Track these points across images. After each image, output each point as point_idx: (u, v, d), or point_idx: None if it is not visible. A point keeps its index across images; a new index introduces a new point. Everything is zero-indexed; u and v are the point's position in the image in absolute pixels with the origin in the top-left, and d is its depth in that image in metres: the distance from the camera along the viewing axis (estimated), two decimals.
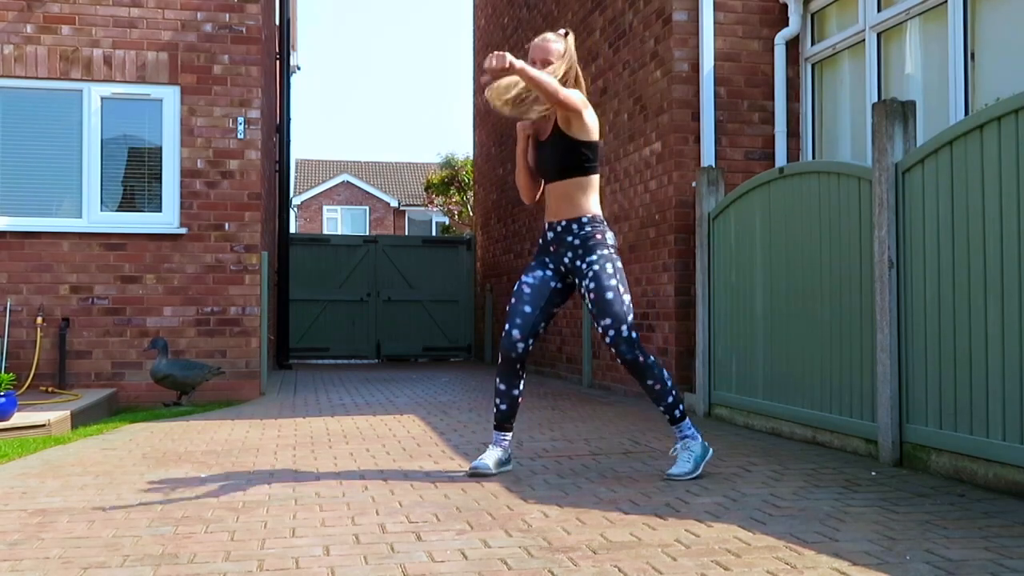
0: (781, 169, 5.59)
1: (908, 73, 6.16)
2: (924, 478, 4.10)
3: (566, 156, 4.15)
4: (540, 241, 4.31)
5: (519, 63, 3.88)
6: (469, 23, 22.06)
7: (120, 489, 4.02)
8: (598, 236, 4.17)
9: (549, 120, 4.19)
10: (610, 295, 4.10)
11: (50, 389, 7.56)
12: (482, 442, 5.25)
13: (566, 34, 4.22)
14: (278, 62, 12.27)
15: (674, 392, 4.18)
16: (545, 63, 4.11)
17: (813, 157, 7.05)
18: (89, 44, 7.96)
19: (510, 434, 4.33)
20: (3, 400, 5.97)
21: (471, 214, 22.81)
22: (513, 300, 4.23)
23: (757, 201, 5.78)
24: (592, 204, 4.21)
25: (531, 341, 4.18)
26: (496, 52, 3.90)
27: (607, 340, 4.13)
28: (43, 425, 5.97)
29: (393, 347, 14.32)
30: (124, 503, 3.73)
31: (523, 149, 4.32)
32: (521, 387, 4.27)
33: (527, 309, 4.18)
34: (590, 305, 4.16)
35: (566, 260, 4.21)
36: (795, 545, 2.99)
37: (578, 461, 4.62)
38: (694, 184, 6.78)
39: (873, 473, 4.22)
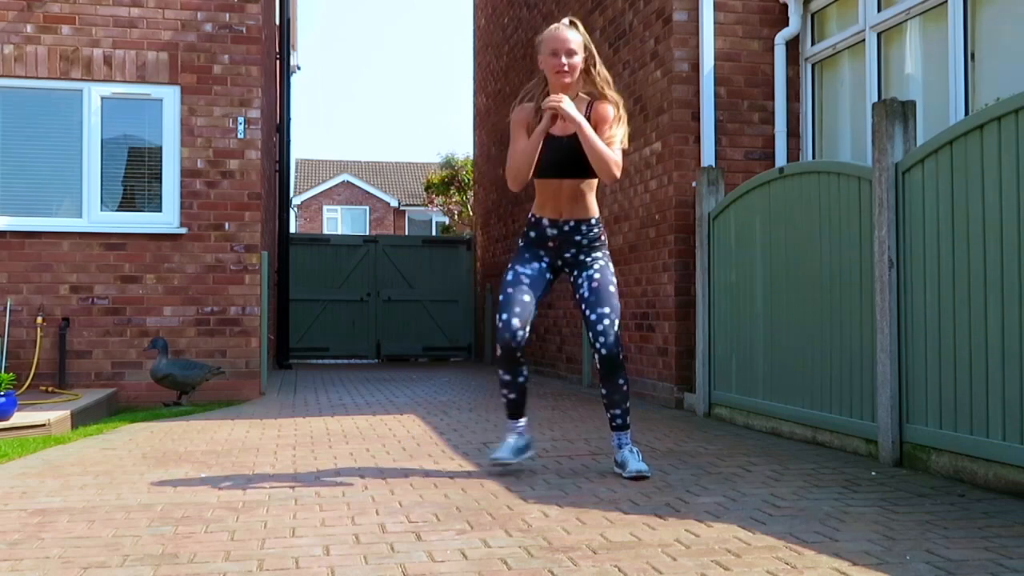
0: (781, 169, 5.59)
1: (908, 73, 6.16)
2: (924, 478, 4.10)
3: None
4: (531, 234, 4.22)
5: (578, 118, 4.00)
6: (469, 23, 22.06)
7: (120, 489, 4.01)
8: (603, 237, 4.25)
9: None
10: (612, 288, 4.15)
11: (50, 389, 7.56)
12: (482, 442, 5.26)
13: (572, 23, 4.16)
14: (278, 62, 12.27)
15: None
16: (570, 53, 4.08)
17: (813, 157, 7.05)
18: (89, 44, 7.96)
19: (524, 420, 4.30)
20: (3, 400, 5.97)
21: (471, 214, 22.82)
22: (510, 289, 4.12)
23: (757, 201, 5.78)
24: (596, 205, 4.24)
25: (528, 330, 4.13)
26: (559, 104, 3.97)
27: (600, 328, 4.05)
28: (43, 425, 5.97)
29: (393, 347, 14.31)
30: (124, 503, 3.73)
31: (544, 130, 4.07)
32: (526, 373, 4.22)
33: (525, 298, 4.10)
34: (587, 293, 4.11)
35: (567, 255, 4.20)
36: (795, 545, 2.99)
37: (578, 461, 4.62)
38: (694, 184, 6.78)
39: (873, 473, 4.22)
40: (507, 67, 12.55)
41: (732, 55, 7.09)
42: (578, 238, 4.18)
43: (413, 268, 14.41)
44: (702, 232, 6.50)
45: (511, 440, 4.28)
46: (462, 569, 2.76)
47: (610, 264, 4.23)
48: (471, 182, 23.67)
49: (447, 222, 33.64)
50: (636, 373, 7.74)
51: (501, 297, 4.14)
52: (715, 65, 7.03)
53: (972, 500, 3.65)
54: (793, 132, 7.10)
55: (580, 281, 4.18)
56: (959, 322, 4.02)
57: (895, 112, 4.46)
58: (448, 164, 30.21)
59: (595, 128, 4.09)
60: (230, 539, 3.13)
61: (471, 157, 19.60)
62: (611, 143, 4.07)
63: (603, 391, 4.19)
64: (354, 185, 41.33)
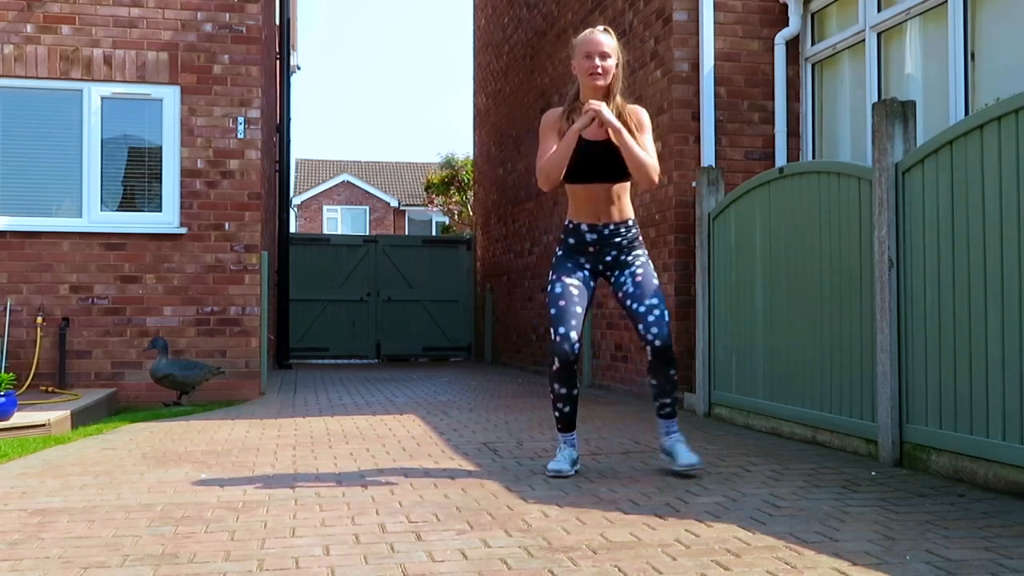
0: (781, 169, 5.59)
1: (908, 73, 6.16)
2: (924, 478, 4.10)
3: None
4: (570, 241, 4.21)
5: (617, 124, 4.03)
6: (469, 23, 22.07)
7: (120, 489, 4.02)
8: (640, 238, 4.29)
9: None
10: (656, 281, 4.18)
11: (50, 389, 7.56)
12: (482, 442, 5.26)
13: (605, 29, 4.18)
14: (278, 62, 12.27)
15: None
16: (604, 56, 4.09)
17: (813, 157, 7.05)
18: (89, 44, 7.96)
19: (575, 432, 4.32)
20: (3, 400, 5.97)
21: (471, 214, 22.82)
22: (561, 302, 4.09)
23: (757, 201, 5.78)
24: (631, 206, 4.26)
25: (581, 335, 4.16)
26: (599, 109, 4.00)
27: (651, 318, 4.05)
28: (43, 425, 5.97)
29: (393, 347, 14.32)
30: (124, 503, 3.73)
31: (581, 128, 4.05)
32: (578, 385, 4.23)
33: (578, 310, 4.09)
34: (632, 288, 4.12)
35: (608, 258, 4.21)
36: (795, 545, 2.99)
37: (578, 461, 4.61)
38: (694, 184, 6.78)
39: (873, 473, 4.23)
40: (507, 67, 12.55)
41: (732, 55, 7.09)
42: (618, 239, 4.20)
43: (413, 268, 14.41)
44: (702, 232, 6.50)
45: (568, 452, 4.27)
46: (462, 569, 2.76)
47: (650, 261, 4.26)
48: (471, 182, 23.67)
49: (447, 222, 33.64)
50: (636, 373, 7.74)
51: (553, 311, 4.10)
52: (715, 65, 7.03)
53: (972, 500, 3.65)
54: (793, 132, 7.10)
55: (623, 280, 4.18)
56: (959, 322, 4.02)
57: (895, 112, 4.46)
58: (448, 164, 30.20)
59: (635, 130, 4.11)
60: (230, 539, 3.13)
61: (471, 157, 19.60)
62: (648, 149, 4.11)
63: (653, 382, 4.18)
64: (354, 185, 41.32)
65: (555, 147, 4.11)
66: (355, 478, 4.22)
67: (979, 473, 3.90)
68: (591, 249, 4.20)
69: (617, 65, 4.15)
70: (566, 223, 4.25)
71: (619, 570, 2.73)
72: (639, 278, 4.15)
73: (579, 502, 3.65)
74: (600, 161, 4.10)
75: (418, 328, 14.32)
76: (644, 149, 4.09)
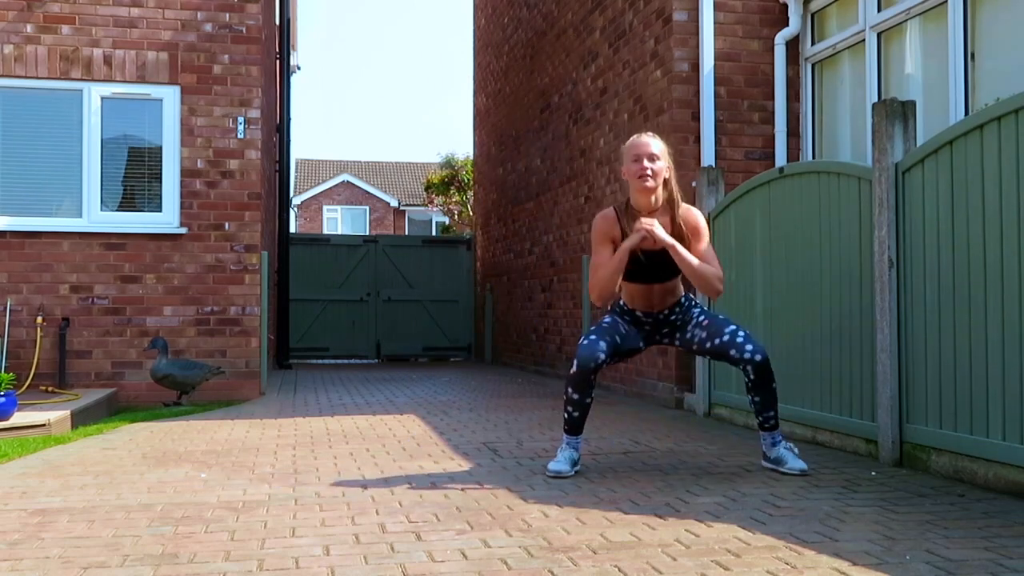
0: (781, 169, 5.59)
1: (908, 73, 6.16)
2: (924, 478, 4.10)
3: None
4: (626, 318, 4.37)
5: (671, 241, 4.11)
6: (469, 23, 22.07)
7: (120, 489, 4.02)
8: (692, 301, 4.42)
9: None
10: (723, 316, 4.35)
11: (50, 389, 7.56)
12: (482, 442, 5.26)
13: (652, 135, 4.30)
14: (278, 62, 12.27)
15: None
16: (652, 158, 4.18)
17: (813, 157, 7.05)
18: (89, 44, 7.96)
19: (581, 436, 4.37)
20: (3, 400, 5.97)
21: (471, 214, 22.82)
22: (606, 325, 4.29)
23: (757, 201, 5.78)
24: (682, 286, 4.39)
25: (609, 361, 4.22)
26: (651, 229, 4.08)
27: (739, 339, 4.17)
28: (43, 425, 5.97)
29: (393, 347, 14.31)
30: (124, 503, 3.73)
31: (631, 248, 4.14)
32: (593, 395, 4.30)
33: (617, 339, 4.26)
34: (704, 332, 4.26)
35: (665, 329, 4.40)
36: (795, 545, 2.99)
37: (579, 462, 4.61)
38: (694, 184, 6.77)
39: (873, 473, 4.23)
40: (507, 67, 12.55)
41: (732, 55, 7.09)
42: (673, 318, 4.38)
43: (413, 268, 14.40)
44: None
45: (569, 453, 4.31)
46: (462, 569, 2.76)
47: (705, 308, 4.41)
48: (471, 182, 23.67)
49: (447, 222, 33.64)
50: (636, 373, 7.74)
51: (593, 327, 4.28)
52: (715, 65, 7.03)
53: (972, 500, 3.65)
54: (793, 132, 7.10)
55: (689, 335, 4.34)
56: (959, 322, 4.02)
57: (895, 112, 4.46)
58: (448, 164, 30.20)
59: (690, 238, 4.20)
60: (230, 539, 3.13)
61: (471, 157, 19.60)
62: (707, 258, 4.20)
63: (756, 399, 4.25)
64: (354, 185, 41.32)
65: (607, 262, 4.20)
66: (355, 478, 4.22)
67: (979, 473, 3.90)
68: (647, 327, 4.40)
69: (668, 168, 4.23)
70: (621, 303, 4.41)
71: (619, 570, 2.73)
72: (706, 321, 4.31)
73: (579, 502, 3.66)
74: (654, 267, 4.22)
75: (418, 328, 14.31)
76: (702, 258, 4.18)
